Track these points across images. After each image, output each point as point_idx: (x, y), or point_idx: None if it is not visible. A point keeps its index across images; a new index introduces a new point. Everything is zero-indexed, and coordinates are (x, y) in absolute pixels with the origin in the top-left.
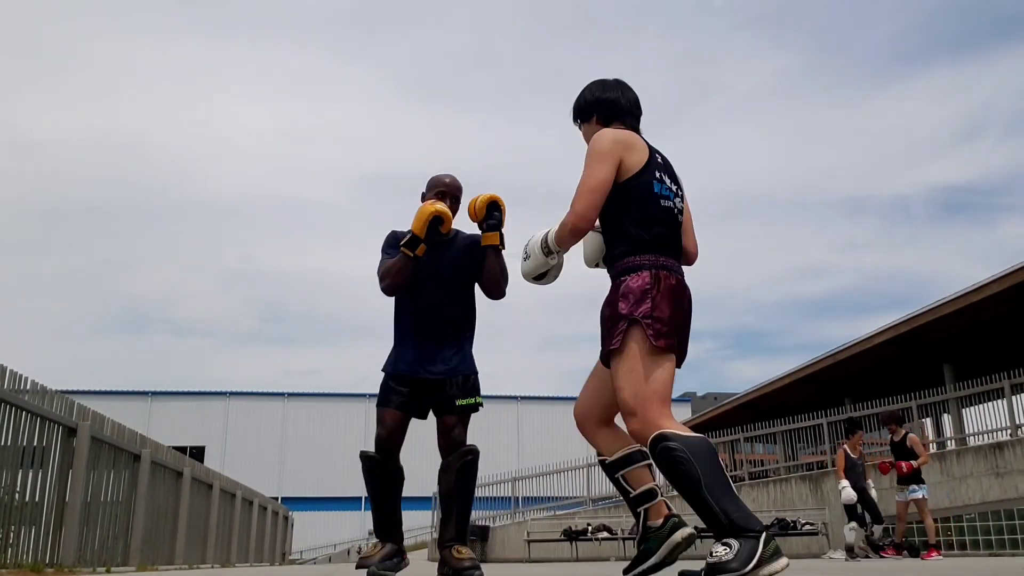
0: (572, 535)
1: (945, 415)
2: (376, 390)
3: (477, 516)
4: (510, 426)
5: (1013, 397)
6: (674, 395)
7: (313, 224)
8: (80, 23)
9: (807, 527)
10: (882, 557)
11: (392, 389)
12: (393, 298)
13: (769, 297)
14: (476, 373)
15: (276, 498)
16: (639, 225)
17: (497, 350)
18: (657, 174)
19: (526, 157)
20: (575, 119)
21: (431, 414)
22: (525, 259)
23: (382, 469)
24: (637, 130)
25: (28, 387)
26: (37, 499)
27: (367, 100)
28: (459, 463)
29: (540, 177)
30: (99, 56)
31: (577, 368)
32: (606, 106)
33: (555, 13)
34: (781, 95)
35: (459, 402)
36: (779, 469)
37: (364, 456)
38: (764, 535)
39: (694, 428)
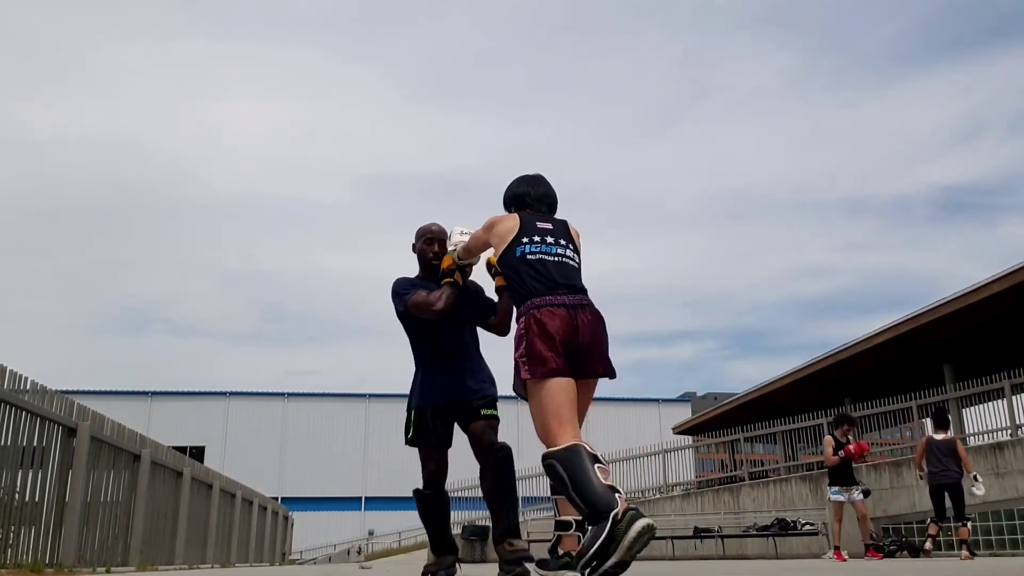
0: None
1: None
2: (376, 390)
3: (476, 516)
4: (510, 426)
5: (1013, 397)
6: (674, 395)
7: (313, 224)
8: (80, 23)
9: (807, 527)
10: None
11: (429, 428)
12: (411, 337)
13: (769, 297)
14: (497, 394)
15: (276, 498)
16: (518, 282)
17: (497, 350)
18: (525, 239)
19: (527, 157)
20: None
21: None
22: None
23: (436, 500)
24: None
25: (28, 387)
26: (37, 499)
27: (367, 100)
28: (494, 462)
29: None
30: (100, 56)
31: None
32: (517, 200)
33: (556, 13)
34: (782, 95)
35: (484, 411)
36: (779, 469)
37: (419, 494)
38: (613, 514)
39: (694, 428)
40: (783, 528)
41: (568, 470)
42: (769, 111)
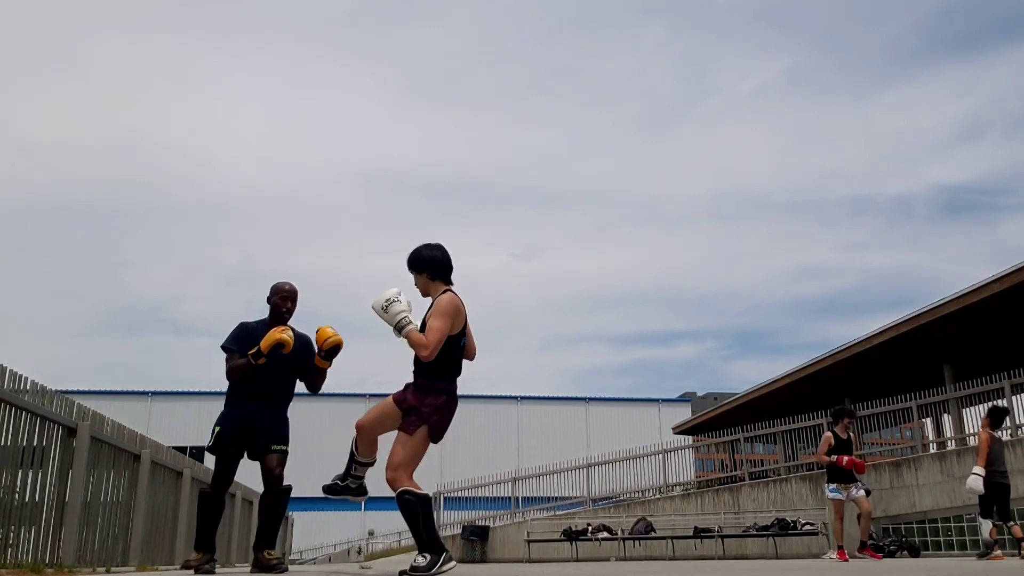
0: (572, 535)
1: (945, 415)
2: (376, 390)
3: (477, 516)
4: (510, 426)
5: (1013, 397)
6: (674, 395)
7: (314, 224)
8: (82, 23)
9: (807, 527)
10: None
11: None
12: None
13: (770, 297)
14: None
15: None
16: (446, 360)
17: (497, 351)
18: (463, 327)
19: (527, 157)
20: (411, 269)
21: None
22: (385, 309)
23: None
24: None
25: (28, 387)
26: (37, 499)
27: (368, 100)
28: (278, 492)
29: (541, 177)
30: (100, 56)
31: (576, 368)
32: (438, 267)
33: (557, 13)
34: (783, 95)
35: (274, 447)
36: (779, 469)
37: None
38: (446, 552)
39: (694, 428)
40: (783, 528)
41: (424, 509)
42: (770, 111)
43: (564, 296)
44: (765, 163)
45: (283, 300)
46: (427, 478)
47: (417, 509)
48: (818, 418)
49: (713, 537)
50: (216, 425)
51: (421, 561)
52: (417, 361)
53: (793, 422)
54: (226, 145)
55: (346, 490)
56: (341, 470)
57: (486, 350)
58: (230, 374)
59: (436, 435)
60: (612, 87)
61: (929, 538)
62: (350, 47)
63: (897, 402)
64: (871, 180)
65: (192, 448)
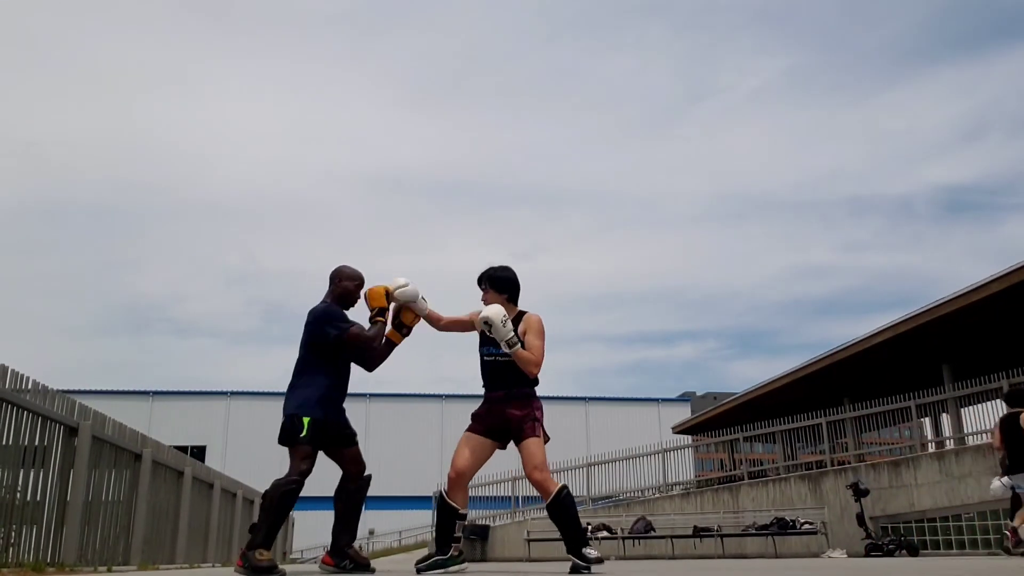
0: None
1: (944, 415)
2: (376, 390)
3: (477, 515)
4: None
5: None
6: (673, 395)
7: (315, 224)
8: (82, 23)
9: (806, 526)
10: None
11: (318, 434)
12: (320, 357)
13: (770, 297)
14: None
15: None
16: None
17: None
18: None
19: (528, 157)
20: (490, 287)
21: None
22: (504, 324)
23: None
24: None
25: (29, 387)
26: (38, 499)
27: (369, 101)
28: (362, 485)
29: (541, 177)
30: (101, 56)
31: (576, 368)
32: (517, 290)
33: (558, 13)
34: (784, 95)
35: (355, 438)
36: (778, 469)
37: (290, 487)
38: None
39: (694, 428)
40: (782, 527)
41: (575, 507)
42: (771, 111)
43: (564, 296)
44: (766, 163)
45: (358, 287)
46: (427, 478)
47: (575, 503)
48: (817, 418)
49: (712, 536)
50: (303, 415)
51: (594, 553)
52: (509, 373)
53: (792, 422)
54: (227, 145)
55: (456, 560)
56: (340, 471)
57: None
58: (373, 344)
59: (546, 435)
60: (613, 87)
61: (928, 537)
62: (351, 47)
63: (896, 401)
64: (872, 180)
65: (193, 448)
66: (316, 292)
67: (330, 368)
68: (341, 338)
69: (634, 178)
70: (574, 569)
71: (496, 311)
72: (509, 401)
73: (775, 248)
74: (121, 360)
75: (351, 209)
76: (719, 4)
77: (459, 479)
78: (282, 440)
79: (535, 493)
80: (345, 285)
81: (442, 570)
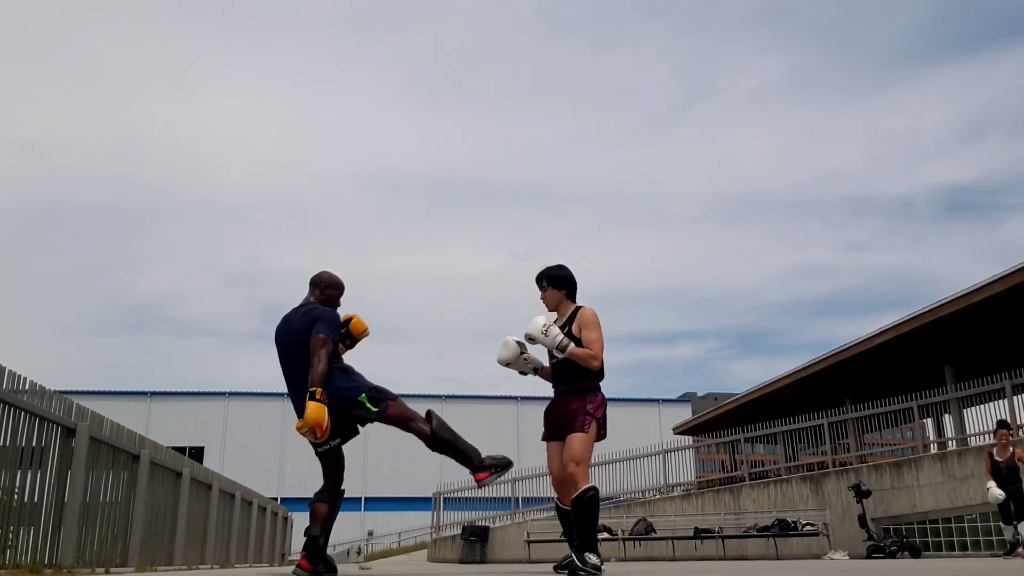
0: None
1: (946, 415)
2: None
3: (477, 516)
4: (510, 426)
5: (1014, 397)
6: (674, 395)
7: (315, 224)
8: (83, 23)
9: (808, 528)
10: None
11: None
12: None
13: (771, 297)
14: None
15: (276, 498)
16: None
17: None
18: None
19: (528, 156)
20: (549, 285)
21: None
22: (545, 333)
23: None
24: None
25: (27, 387)
26: (36, 500)
27: (369, 100)
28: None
29: (541, 176)
30: (102, 56)
31: None
32: (574, 287)
33: (558, 12)
34: (785, 95)
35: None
36: (779, 469)
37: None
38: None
39: (695, 428)
40: (784, 529)
41: (597, 511)
42: (771, 111)
43: None
44: (766, 163)
45: (340, 295)
46: (427, 478)
47: (598, 507)
48: (819, 418)
49: (713, 538)
50: (356, 395)
51: (595, 560)
52: (568, 369)
53: (794, 422)
54: (227, 145)
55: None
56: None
57: (487, 351)
58: (318, 359)
59: (603, 430)
60: (613, 87)
61: (930, 539)
62: (351, 47)
63: (898, 402)
64: (872, 180)
65: (191, 448)
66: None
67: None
68: (314, 336)
69: (634, 178)
70: (568, 566)
71: (533, 326)
72: (570, 395)
73: (775, 248)
74: (120, 360)
75: (351, 209)
76: (719, 4)
77: (557, 484)
78: (381, 409)
79: (535, 494)
80: (331, 293)
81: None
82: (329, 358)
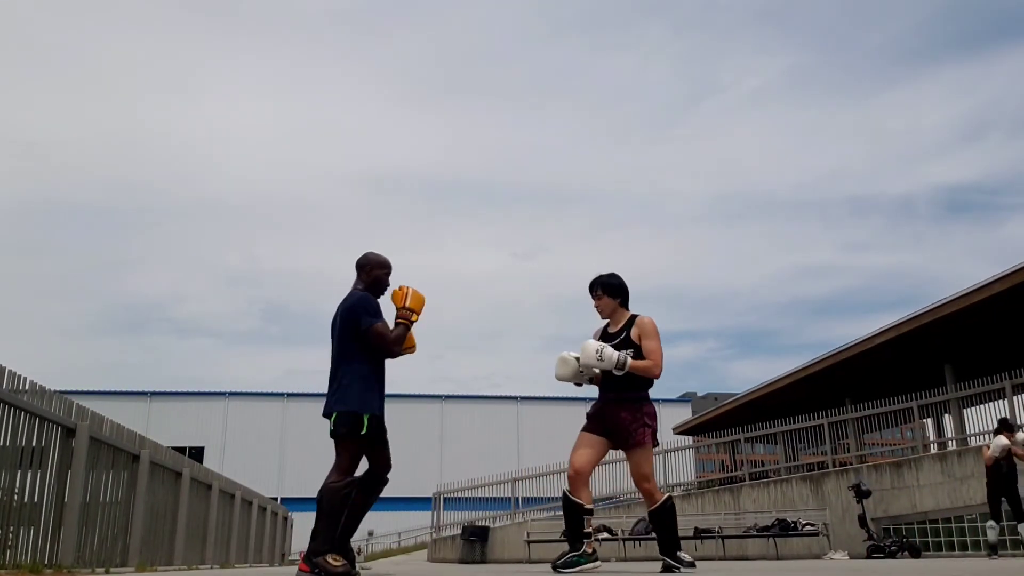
0: None
1: (946, 415)
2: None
3: (477, 516)
4: (510, 426)
5: (1014, 397)
6: (674, 395)
7: (316, 223)
8: (82, 23)
9: (808, 528)
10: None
11: (378, 429)
12: (363, 349)
13: (771, 297)
14: None
15: (276, 498)
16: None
17: (497, 351)
18: None
19: (528, 156)
20: (604, 293)
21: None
22: (601, 358)
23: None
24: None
25: (27, 387)
26: (36, 500)
27: (370, 100)
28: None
29: (541, 176)
30: (102, 56)
31: None
32: (627, 295)
33: (559, 12)
34: (785, 94)
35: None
36: (779, 469)
37: (342, 490)
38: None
39: (694, 428)
40: (784, 529)
41: (675, 516)
42: (772, 110)
43: (565, 296)
44: (767, 163)
45: (388, 275)
46: (427, 478)
47: (675, 514)
48: (819, 418)
49: (713, 538)
50: (363, 412)
51: (687, 557)
52: (619, 380)
53: (794, 422)
54: (227, 145)
55: (589, 557)
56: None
57: (487, 351)
58: (394, 348)
59: (656, 439)
60: (613, 87)
61: (930, 539)
62: (351, 46)
63: (898, 402)
64: (873, 180)
65: (191, 448)
66: (316, 292)
67: (373, 359)
68: (366, 331)
69: (634, 178)
70: (666, 568)
71: (586, 355)
72: (620, 404)
73: (775, 248)
74: (120, 360)
75: (351, 209)
76: (719, 4)
77: (578, 477)
78: (340, 435)
79: (535, 494)
80: (377, 274)
81: (577, 568)
82: (400, 335)
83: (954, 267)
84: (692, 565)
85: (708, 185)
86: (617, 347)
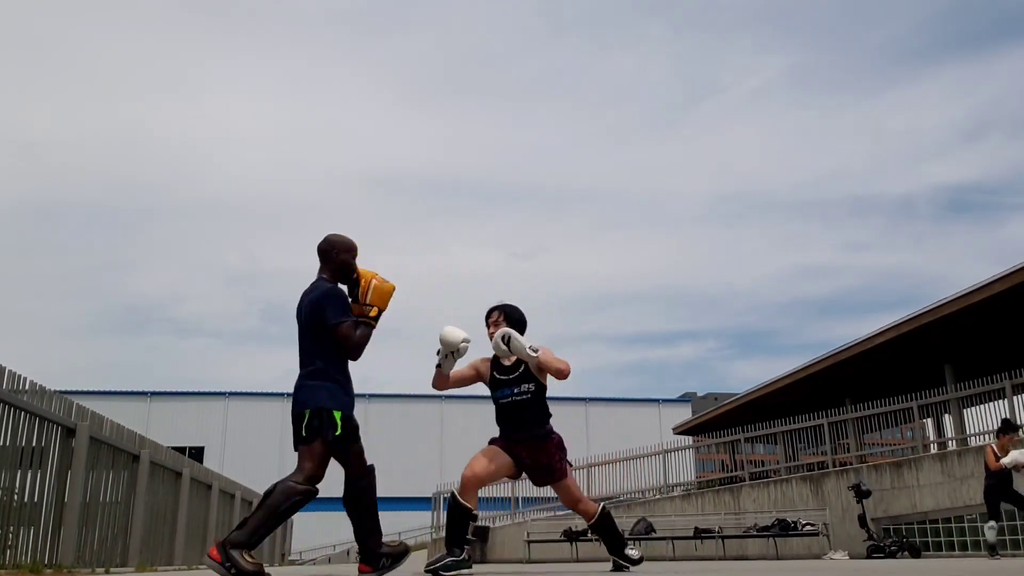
0: (572, 536)
1: (946, 415)
2: (377, 391)
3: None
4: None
5: (1014, 397)
6: (674, 395)
7: (315, 223)
8: (82, 22)
9: (808, 528)
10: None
11: (353, 430)
12: (333, 346)
13: (771, 297)
14: None
15: None
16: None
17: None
18: None
19: (527, 156)
20: (500, 316)
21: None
22: (506, 342)
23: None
24: None
25: (27, 387)
26: (36, 500)
27: (370, 100)
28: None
29: (541, 176)
30: (102, 56)
31: (576, 369)
32: (525, 330)
33: (559, 12)
34: (786, 94)
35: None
36: (779, 469)
37: (304, 493)
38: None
39: (695, 428)
40: (784, 529)
41: (614, 520)
42: (772, 110)
43: (565, 296)
44: (767, 163)
45: (355, 257)
46: (427, 478)
47: (613, 518)
48: (819, 418)
49: (713, 538)
50: (335, 410)
51: (634, 553)
52: (531, 415)
53: (794, 422)
54: (227, 144)
55: (465, 564)
56: (339, 470)
57: (486, 351)
58: (358, 351)
59: (570, 464)
60: (613, 86)
61: (930, 539)
62: (351, 46)
63: (898, 402)
64: (873, 180)
65: (191, 448)
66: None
67: (340, 356)
68: (333, 328)
69: (634, 178)
70: (616, 567)
71: (496, 345)
72: (532, 443)
73: (775, 248)
74: (120, 360)
75: (351, 209)
76: (719, 3)
77: (474, 480)
78: (306, 438)
79: (535, 494)
80: (344, 258)
81: (454, 572)
82: (364, 338)
83: (954, 267)
84: (639, 561)
85: (708, 185)
86: (515, 381)
